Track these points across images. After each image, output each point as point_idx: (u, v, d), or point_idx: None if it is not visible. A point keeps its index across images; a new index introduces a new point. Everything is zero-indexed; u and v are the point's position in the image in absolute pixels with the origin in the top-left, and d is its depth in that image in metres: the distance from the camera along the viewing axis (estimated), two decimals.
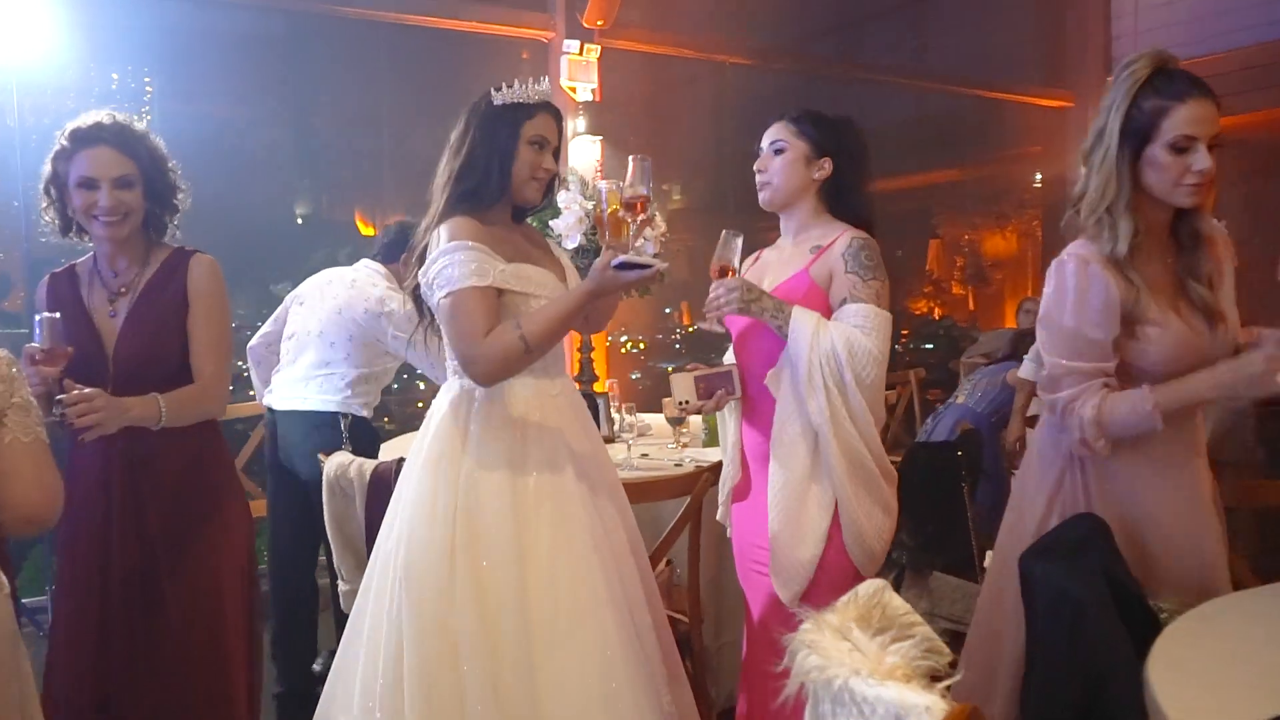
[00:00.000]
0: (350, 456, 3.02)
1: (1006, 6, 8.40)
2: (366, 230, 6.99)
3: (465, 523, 2.11)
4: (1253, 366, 1.90)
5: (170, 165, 2.50)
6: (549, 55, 5.77)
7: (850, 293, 2.32)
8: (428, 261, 2.15)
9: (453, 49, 6.20)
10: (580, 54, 5.53)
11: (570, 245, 3.69)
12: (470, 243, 2.10)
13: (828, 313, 2.36)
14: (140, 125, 2.45)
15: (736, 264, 2.33)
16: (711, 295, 2.31)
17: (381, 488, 2.90)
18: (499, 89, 2.19)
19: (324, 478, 2.99)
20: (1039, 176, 8.61)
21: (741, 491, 2.54)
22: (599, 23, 5.54)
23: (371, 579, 2.21)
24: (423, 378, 5.00)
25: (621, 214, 2.08)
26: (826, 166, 2.43)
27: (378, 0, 5.27)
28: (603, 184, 2.13)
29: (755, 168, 2.50)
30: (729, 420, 2.60)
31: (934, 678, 1.18)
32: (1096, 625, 1.61)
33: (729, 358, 2.61)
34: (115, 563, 2.41)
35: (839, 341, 2.26)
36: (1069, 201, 2.14)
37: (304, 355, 3.52)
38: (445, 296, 2.09)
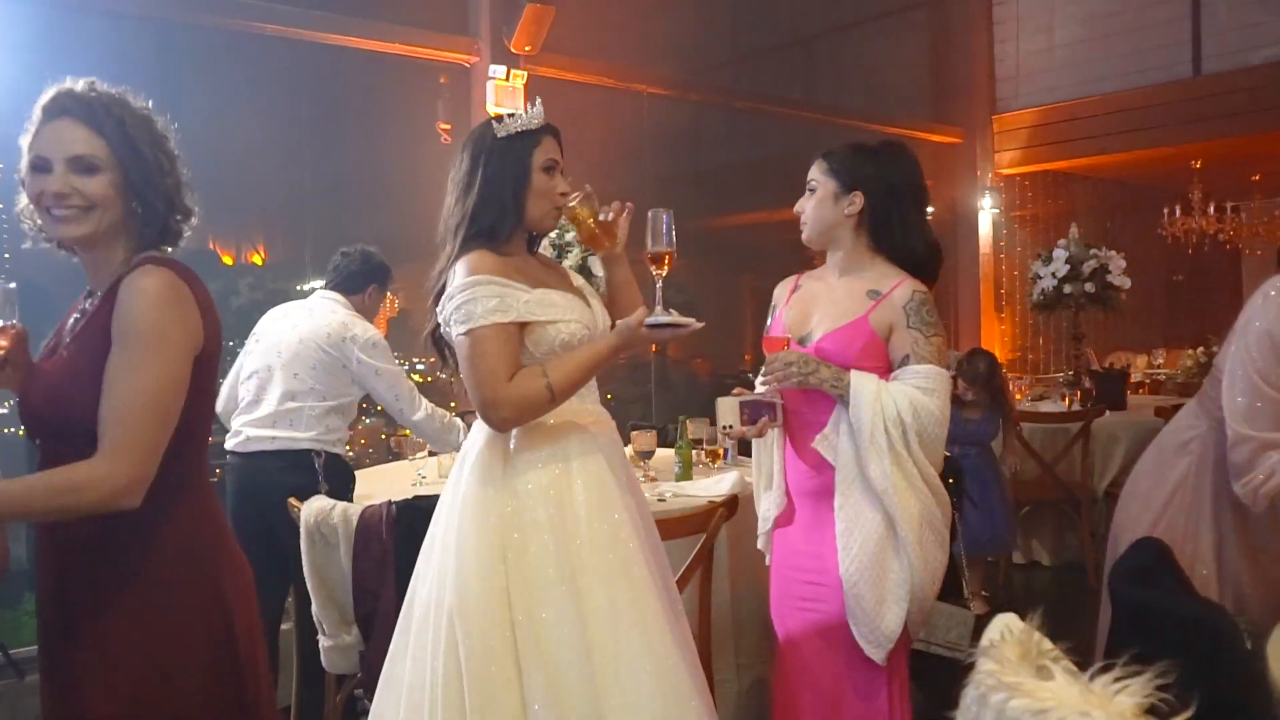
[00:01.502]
0: (331, 501, 2.81)
1: (901, 46, 8.72)
2: (225, 258, 6.64)
3: (516, 560, 1.99)
4: None
5: (166, 150, 1.81)
6: (470, 80, 5.63)
7: (913, 349, 2.30)
8: (445, 297, 2.05)
9: (357, 70, 5.98)
10: (507, 79, 5.41)
11: None
12: (490, 276, 2.00)
13: (884, 361, 2.34)
14: (136, 100, 1.82)
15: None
16: (768, 369, 2.29)
17: (370, 534, 2.72)
18: (499, 120, 2.13)
19: (302, 525, 2.77)
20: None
21: (784, 519, 2.48)
22: (527, 48, 5.44)
23: (409, 627, 2.07)
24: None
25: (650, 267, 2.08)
26: (857, 202, 2.38)
27: (276, 14, 5.01)
28: (665, 215, 2.09)
29: (794, 209, 2.48)
30: (772, 450, 2.52)
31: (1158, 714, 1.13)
32: (1232, 651, 1.61)
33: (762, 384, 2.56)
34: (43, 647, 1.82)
35: (903, 404, 2.24)
36: None
37: (267, 393, 3.28)
38: (464, 334, 1.99)
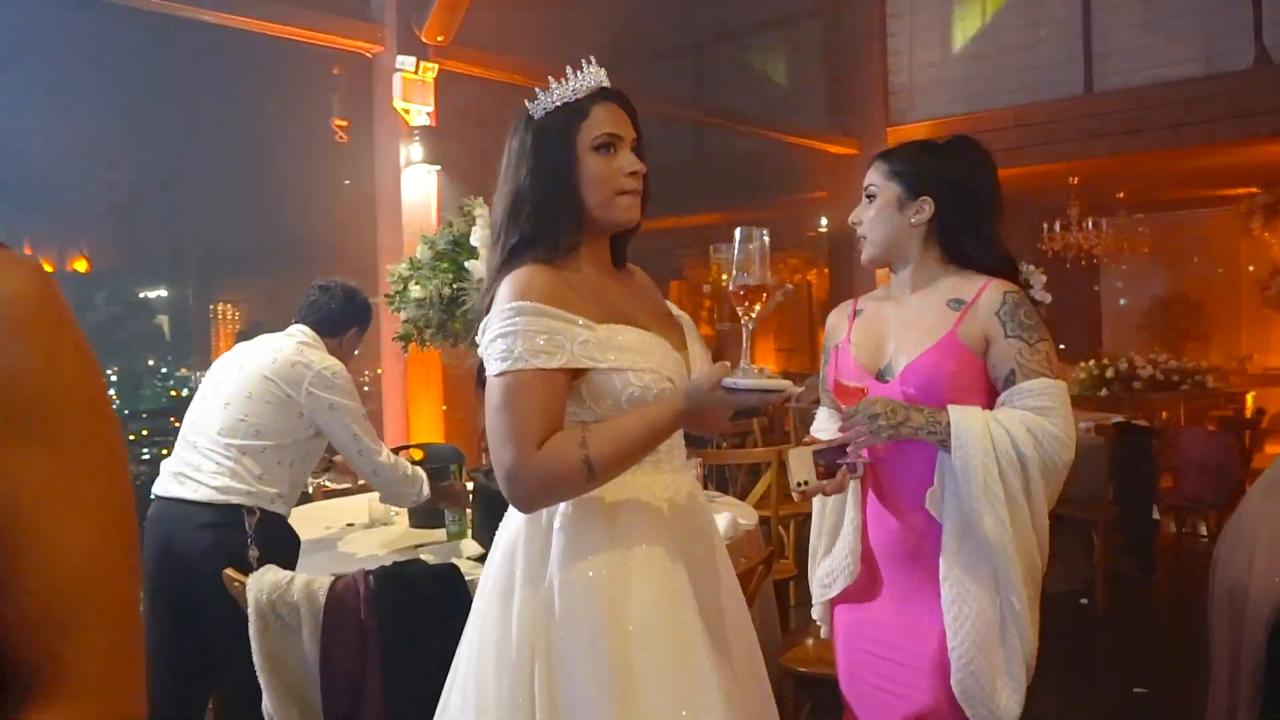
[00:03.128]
0: (286, 573, 2.28)
1: (795, 55, 8.57)
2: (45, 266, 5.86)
3: (545, 679, 1.56)
4: None
5: None
6: (373, 71, 5.09)
7: (1018, 362, 1.93)
8: (485, 323, 1.63)
9: (228, 52, 5.33)
10: (416, 72, 4.89)
11: None
12: (539, 304, 1.56)
13: (984, 382, 1.99)
14: None
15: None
16: (847, 426, 1.90)
17: (343, 612, 2.21)
18: (533, 100, 1.69)
19: (250, 604, 2.23)
20: (825, 221, 8.82)
21: (861, 593, 2.10)
22: (439, 38, 4.93)
23: None
24: None
25: (740, 291, 1.61)
26: (926, 208, 2.03)
27: None
28: (760, 237, 1.62)
29: (849, 220, 2.11)
30: (844, 508, 2.13)
31: None
32: None
33: (821, 422, 2.18)
34: None
35: (1020, 436, 1.87)
36: None
37: (196, 427, 2.74)
38: (497, 375, 1.56)
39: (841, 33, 8.58)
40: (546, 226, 1.65)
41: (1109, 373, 7.27)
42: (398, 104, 4.89)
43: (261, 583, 2.24)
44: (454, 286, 3.13)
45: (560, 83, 1.68)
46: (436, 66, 4.99)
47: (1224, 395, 7.92)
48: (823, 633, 2.24)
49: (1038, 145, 7.72)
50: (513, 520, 1.69)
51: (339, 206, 5.30)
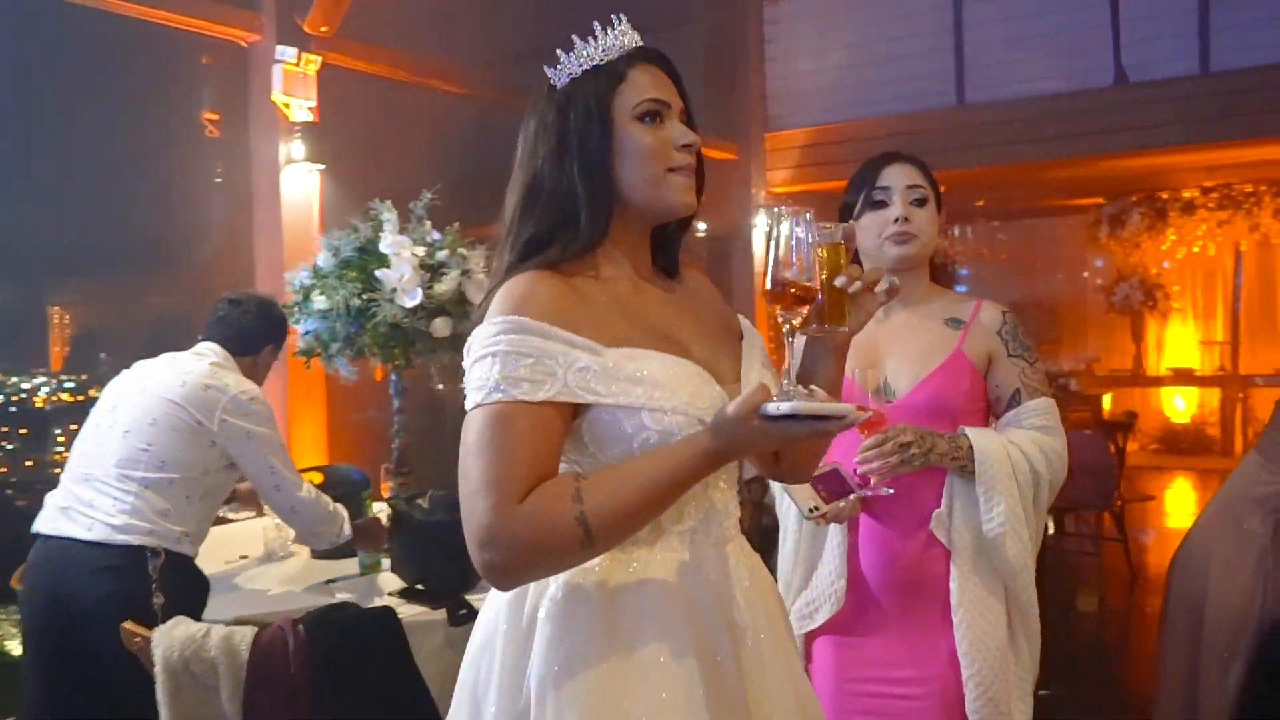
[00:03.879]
0: (200, 625, 2.03)
1: (676, 62, 8.50)
2: None
3: None
4: None
5: None
6: (248, 62, 4.74)
7: (1023, 382, 1.95)
8: (468, 344, 1.32)
9: (82, 36, 4.90)
10: (298, 64, 4.58)
11: (410, 303, 2.90)
12: (529, 319, 1.25)
13: (985, 400, 1.98)
14: None
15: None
16: (872, 456, 1.83)
17: (270, 667, 1.98)
18: (557, 64, 1.38)
19: (158, 661, 1.97)
20: (703, 226, 8.80)
21: (850, 623, 1.99)
22: (323, 29, 4.63)
23: None
24: None
25: (840, 281, 1.29)
26: (941, 230, 2.08)
27: None
28: (798, 223, 1.25)
29: (896, 216, 1.97)
30: (831, 529, 2.01)
31: None
32: None
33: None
34: None
35: (1035, 456, 1.89)
36: None
37: (88, 457, 2.43)
38: (473, 408, 1.25)
39: (721, 39, 8.57)
40: (568, 221, 1.34)
41: None
42: (277, 98, 4.57)
43: (172, 637, 1.99)
44: (364, 297, 2.91)
45: (587, 41, 1.38)
46: (319, 59, 4.69)
47: (1079, 397, 8.29)
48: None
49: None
50: (494, 600, 1.37)
51: (208, 205, 4.92)
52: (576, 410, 1.27)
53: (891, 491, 1.88)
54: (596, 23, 1.38)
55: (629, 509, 1.21)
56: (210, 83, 4.87)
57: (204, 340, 2.67)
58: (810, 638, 2.06)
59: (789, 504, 2.03)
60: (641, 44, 1.40)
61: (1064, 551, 6.06)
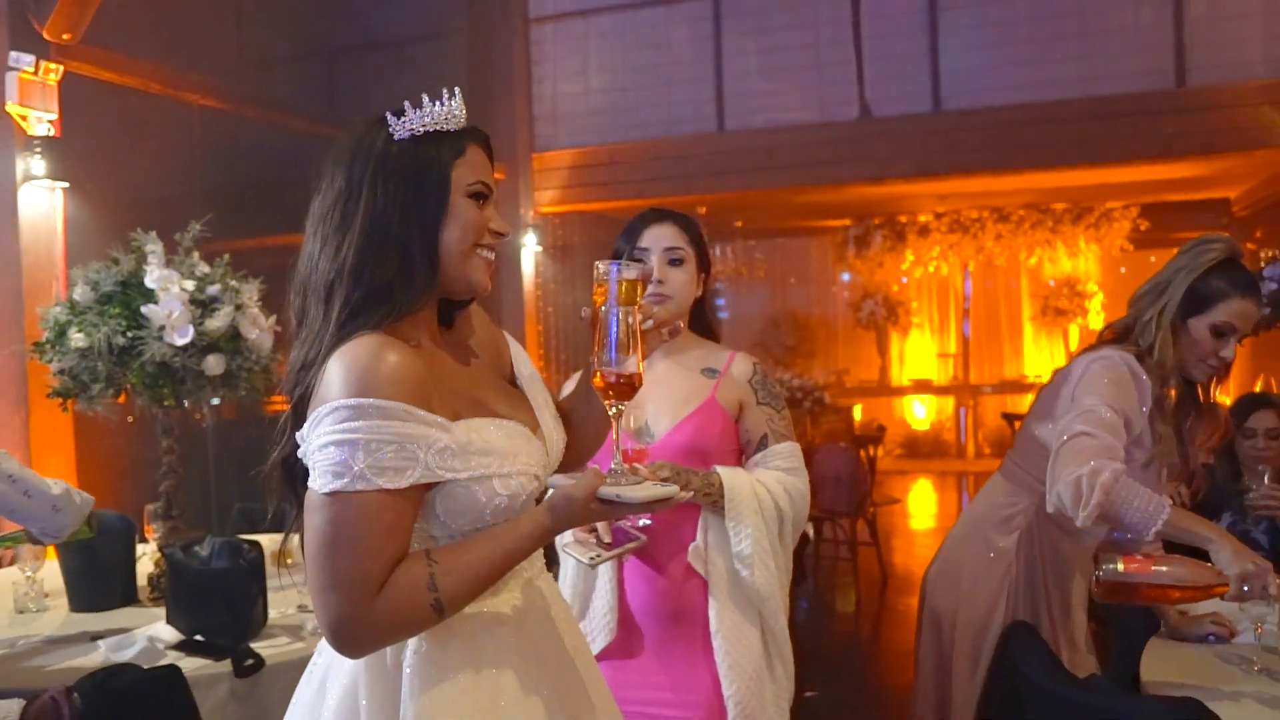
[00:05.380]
0: None
1: (438, 75, 8.42)
2: None
3: None
4: (1241, 565, 1.96)
5: None
6: None
7: (771, 428, 2.13)
8: (313, 416, 1.26)
9: None
10: (36, 73, 4.23)
11: (181, 341, 2.76)
12: (390, 402, 1.23)
13: (736, 444, 2.14)
14: None
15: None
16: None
17: None
18: (399, 115, 1.36)
19: None
20: None
21: (621, 650, 2.11)
22: (65, 36, 4.30)
23: None
24: None
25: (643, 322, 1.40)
26: (702, 283, 2.19)
27: None
28: (612, 266, 1.39)
29: (654, 275, 2.08)
30: (603, 571, 2.11)
31: None
32: None
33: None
34: None
35: (779, 494, 2.06)
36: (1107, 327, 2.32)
37: None
38: (329, 494, 1.22)
39: (485, 55, 8.57)
40: (403, 278, 1.32)
41: None
42: (12, 108, 4.20)
43: None
44: (128, 335, 2.74)
45: (426, 105, 1.37)
46: (61, 68, 4.35)
47: (832, 409, 8.86)
48: None
49: (673, 178, 8.18)
50: (343, 661, 1.35)
51: None
52: (429, 485, 1.29)
53: (648, 524, 2.00)
54: (445, 89, 1.39)
55: (477, 586, 1.29)
56: None
57: None
58: None
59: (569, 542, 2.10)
60: (472, 124, 1.42)
61: (822, 557, 6.46)
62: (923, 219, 10.75)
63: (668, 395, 2.12)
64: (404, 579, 1.23)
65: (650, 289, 2.06)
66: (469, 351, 1.49)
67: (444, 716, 1.29)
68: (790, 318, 12.02)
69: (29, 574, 2.83)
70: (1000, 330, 11.47)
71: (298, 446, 1.31)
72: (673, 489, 1.32)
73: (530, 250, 8.65)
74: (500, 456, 1.32)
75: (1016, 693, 2.00)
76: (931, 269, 11.11)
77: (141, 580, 2.91)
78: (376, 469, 1.22)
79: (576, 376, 1.65)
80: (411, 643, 1.32)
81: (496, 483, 1.31)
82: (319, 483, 1.23)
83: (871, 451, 6.28)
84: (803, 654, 4.42)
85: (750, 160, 8.00)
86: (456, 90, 1.41)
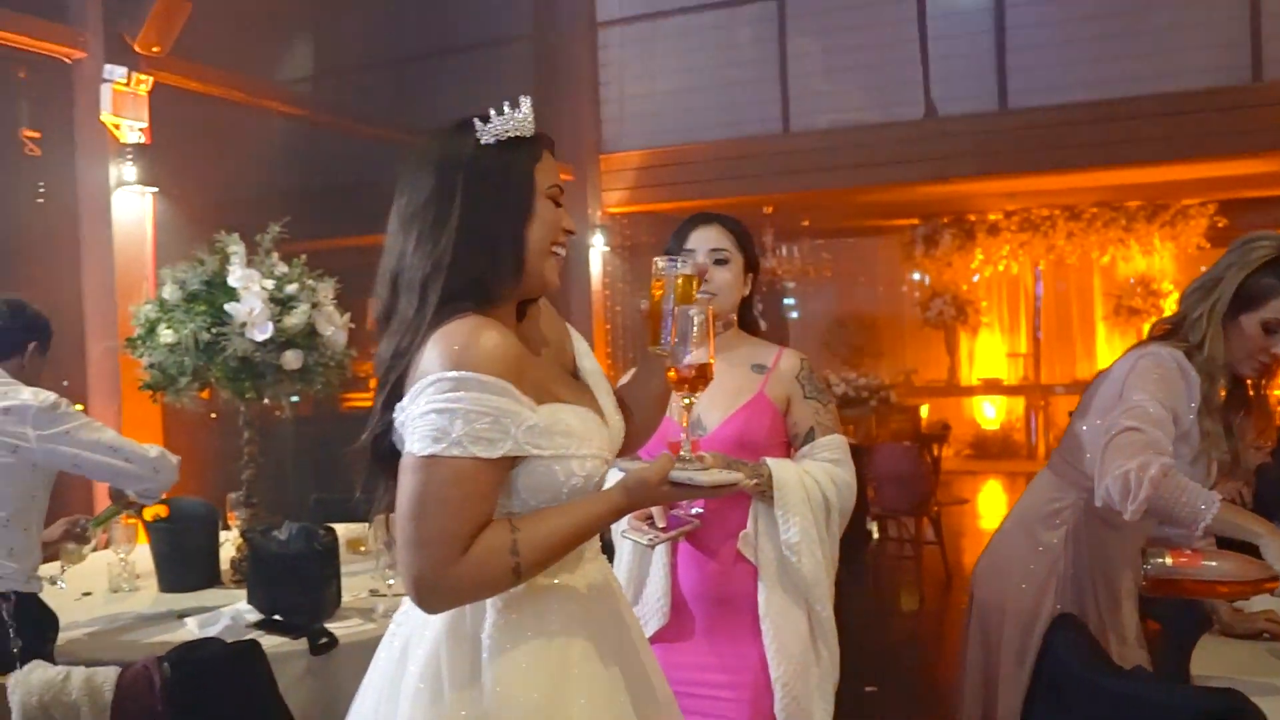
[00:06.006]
0: (59, 668, 2.02)
1: (507, 80, 8.58)
2: None
3: None
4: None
5: None
6: (73, 80, 4.57)
7: (817, 421, 2.20)
8: (415, 388, 1.36)
9: None
10: (128, 84, 4.45)
11: (261, 337, 2.91)
12: (490, 377, 1.33)
13: (785, 437, 2.21)
14: None
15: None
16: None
17: (134, 707, 1.99)
18: (485, 120, 1.46)
19: (15, 707, 1.96)
20: None
21: (672, 633, 2.19)
22: (155, 48, 4.52)
23: None
24: None
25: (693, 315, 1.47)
26: (750, 284, 2.27)
27: None
28: (670, 262, 1.48)
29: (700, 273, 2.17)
30: (657, 557, 2.20)
31: None
32: None
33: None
34: None
35: (825, 484, 2.12)
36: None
37: None
38: (426, 458, 1.32)
39: (552, 59, 8.71)
40: (492, 273, 1.43)
41: None
42: (106, 118, 4.43)
43: (29, 683, 1.97)
44: (213, 331, 2.90)
45: (508, 111, 1.46)
46: (151, 79, 4.57)
47: (898, 408, 8.83)
48: None
49: (739, 178, 8.24)
50: (419, 622, 1.45)
51: (29, 227, 4.72)
52: (514, 460, 1.38)
53: (701, 511, 2.08)
54: (518, 97, 1.49)
55: (553, 555, 1.39)
56: (30, 99, 4.67)
57: None
58: None
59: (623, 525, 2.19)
60: (541, 130, 1.51)
61: (886, 556, 6.46)
62: (992, 217, 10.64)
63: (718, 390, 2.16)
64: (489, 543, 1.33)
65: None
66: (538, 344, 1.58)
67: (519, 682, 1.39)
68: (857, 317, 11.98)
69: (122, 556, 3.01)
70: (1072, 330, 11.30)
71: (389, 428, 1.43)
72: (738, 475, 1.42)
73: (598, 250, 8.77)
74: (578, 439, 1.42)
75: (1060, 684, 2.04)
76: (1001, 268, 10.99)
77: (224, 564, 3.07)
78: (472, 438, 1.31)
79: (632, 371, 1.77)
80: (490, 612, 1.41)
81: (574, 463, 1.41)
82: (417, 446, 1.32)
83: (935, 451, 6.27)
84: (863, 650, 4.46)
85: (815, 160, 8.02)
86: (528, 98, 1.51)
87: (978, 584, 2.50)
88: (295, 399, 3.24)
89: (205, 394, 3.09)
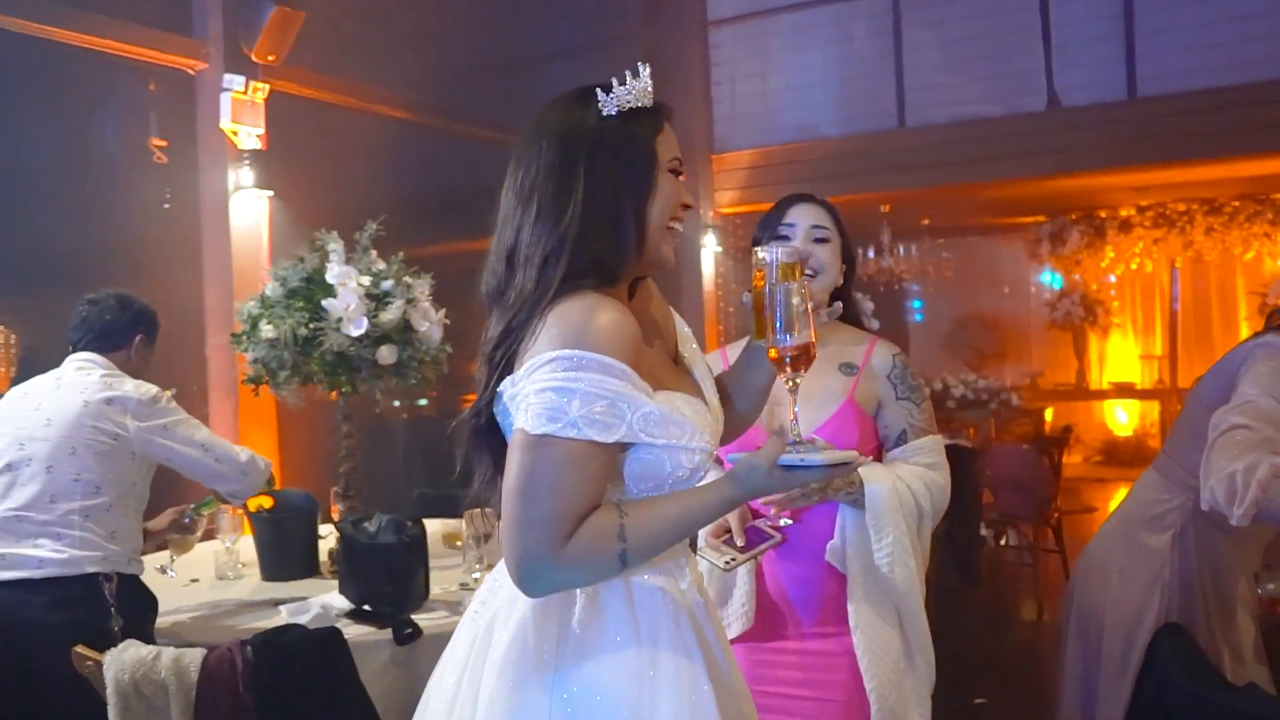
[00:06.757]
0: (150, 648, 2.09)
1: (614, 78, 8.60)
2: None
3: None
4: None
5: None
6: (196, 90, 4.78)
7: (909, 423, 2.08)
8: (531, 364, 1.32)
9: (32, 63, 4.91)
10: (246, 92, 4.63)
11: (356, 332, 2.97)
12: (611, 360, 1.30)
13: (875, 441, 2.10)
14: None
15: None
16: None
17: (217, 689, 2.05)
18: (607, 90, 1.41)
19: (110, 683, 2.03)
20: None
21: (760, 634, 2.11)
22: (270, 57, 4.69)
23: None
24: None
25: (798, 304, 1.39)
26: (843, 274, 2.14)
27: None
28: (770, 248, 1.41)
29: (801, 251, 2.07)
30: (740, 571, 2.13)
31: None
32: None
33: None
34: None
35: (919, 491, 2.01)
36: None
37: (12, 498, 2.42)
38: (539, 436, 1.29)
39: (662, 59, 8.69)
40: (615, 249, 1.38)
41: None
42: (225, 125, 4.61)
43: (122, 660, 2.04)
44: (310, 326, 2.97)
45: (630, 80, 1.42)
46: (267, 86, 4.75)
47: (1021, 412, 8.51)
48: None
49: (853, 175, 8.06)
50: (509, 605, 1.42)
51: (157, 231, 4.95)
52: (625, 446, 1.35)
53: (792, 522, 2.00)
54: (640, 64, 1.45)
55: (659, 546, 1.35)
56: (158, 110, 4.90)
57: (74, 349, 2.67)
58: None
59: (702, 546, 2.13)
60: (659, 100, 1.45)
61: (1002, 563, 6.22)
62: (1124, 213, 10.15)
63: (803, 396, 1.98)
64: (597, 527, 1.29)
65: None
66: (650, 327, 1.54)
67: (603, 674, 1.35)
68: (980, 318, 11.60)
69: (228, 545, 3.12)
70: (1212, 331, 10.68)
71: (493, 404, 1.41)
72: (853, 453, 1.33)
73: (710, 251, 8.72)
74: (690, 430, 1.37)
75: (1166, 700, 1.91)
76: (1134, 266, 10.48)
77: (324, 555, 3.15)
78: (588, 420, 1.27)
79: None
80: (580, 598, 1.38)
81: (683, 455, 1.36)
82: (531, 424, 1.28)
83: (1056, 456, 6.00)
84: (975, 659, 4.30)
85: (932, 156, 7.79)
86: (646, 65, 1.46)
87: (1076, 592, 2.36)
88: (423, 401, 3.30)
89: (312, 389, 3.18)
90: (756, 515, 2.04)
